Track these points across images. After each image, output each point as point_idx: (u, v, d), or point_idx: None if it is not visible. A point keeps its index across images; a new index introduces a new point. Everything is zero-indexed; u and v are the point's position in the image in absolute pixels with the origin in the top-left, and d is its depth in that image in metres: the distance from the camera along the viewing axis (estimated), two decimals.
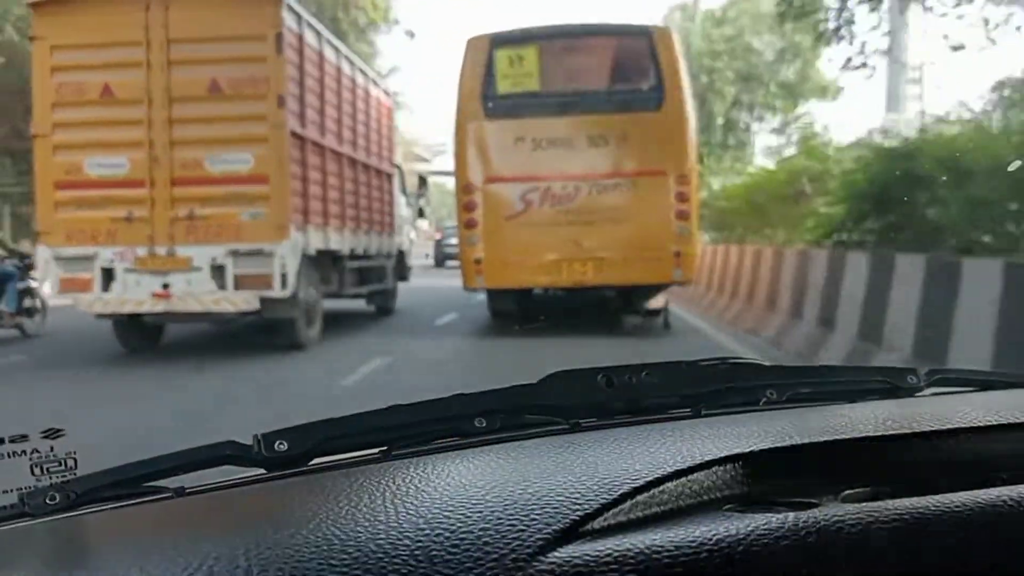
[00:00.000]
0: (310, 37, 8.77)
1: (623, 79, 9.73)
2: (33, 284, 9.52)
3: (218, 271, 7.96)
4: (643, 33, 9.69)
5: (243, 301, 7.98)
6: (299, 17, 8.45)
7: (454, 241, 27.52)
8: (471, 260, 9.46)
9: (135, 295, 8.02)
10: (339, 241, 9.71)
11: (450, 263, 24.90)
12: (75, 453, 0.79)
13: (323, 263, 9.32)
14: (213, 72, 7.91)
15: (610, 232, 9.20)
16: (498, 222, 9.34)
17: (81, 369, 8.01)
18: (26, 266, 9.55)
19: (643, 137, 9.24)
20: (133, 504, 0.77)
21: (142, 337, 8.83)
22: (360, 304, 11.81)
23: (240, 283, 7.95)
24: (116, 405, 6.15)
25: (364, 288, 11.17)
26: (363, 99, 10.93)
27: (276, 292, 7.96)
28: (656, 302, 10.07)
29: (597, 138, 9.31)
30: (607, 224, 9.20)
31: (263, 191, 7.94)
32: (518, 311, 10.13)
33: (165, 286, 8.00)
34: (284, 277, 7.95)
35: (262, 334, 8.84)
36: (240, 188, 7.95)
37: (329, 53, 9.46)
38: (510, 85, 9.45)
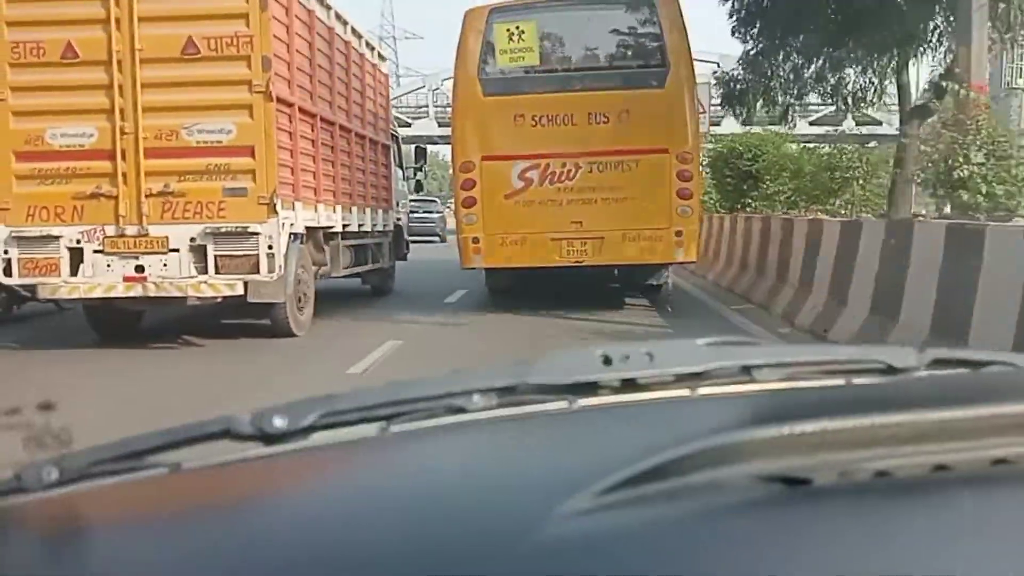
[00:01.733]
0: None
1: (625, 54, 9.50)
2: None
3: (198, 252, 7.16)
4: (646, 4, 9.33)
5: (226, 285, 7.18)
6: None
7: (413, 215, 27.23)
8: (469, 239, 9.24)
9: (106, 279, 7.21)
10: (332, 217, 8.90)
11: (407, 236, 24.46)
12: (70, 427, 0.80)
13: (314, 241, 8.53)
14: (189, 29, 7.04)
15: (610, 211, 9.02)
16: (496, 201, 9.12)
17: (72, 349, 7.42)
18: None
19: (645, 114, 8.99)
20: (129, 480, 0.76)
21: (118, 323, 8.05)
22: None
23: (222, 266, 7.15)
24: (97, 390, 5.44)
25: (359, 268, 10.37)
26: (358, 64, 10.07)
27: (262, 275, 7.16)
28: (657, 277, 9.99)
29: (598, 115, 9.04)
30: (608, 203, 9.03)
31: (247, 163, 7.11)
32: (516, 287, 10.02)
33: (139, 269, 7.20)
34: (271, 258, 7.15)
35: (248, 319, 8.09)
36: (221, 160, 7.10)
37: (321, 12, 8.58)
38: (508, 60, 9.20)
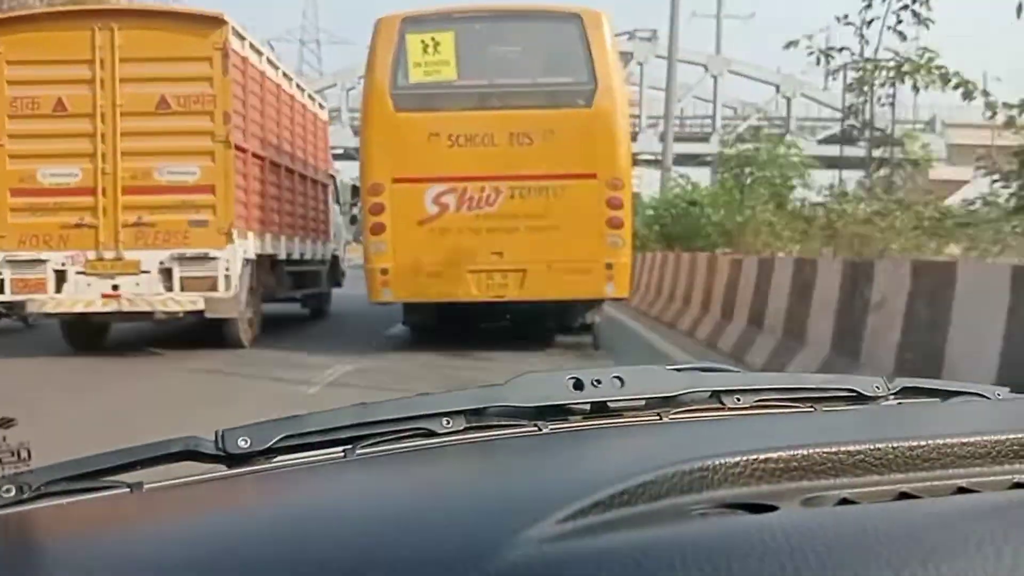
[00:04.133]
0: (253, 58, 9.45)
1: (550, 69, 8.93)
2: None
3: (165, 274, 8.58)
4: (572, 17, 8.64)
5: (189, 302, 8.60)
6: (243, 39, 9.13)
7: None
8: (377, 270, 8.54)
9: (86, 296, 8.57)
10: (277, 246, 10.38)
11: None
12: (28, 444, 0.77)
13: (262, 267, 9.96)
14: (162, 89, 8.52)
15: (534, 241, 8.37)
16: (408, 227, 8.44)
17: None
18: None
19: (572, 135, 8.34)
20: (88, 499, 0.76)
21: (89, 336, 9.35)
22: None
23: (186, 285, 8.57)
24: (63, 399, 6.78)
25: (299, 291, 11.84)
26: (300, 113, 11.64)
27: (220, 293, 8.59)
28: (589, 316, 9.08)
29: (520, 135, 8.38)
30: (531, 232, 8.40)
31: (209, 200, 8.58)
32: (438, 324, 9.31)
33: (115, 287, 8.58)
34: (228, 279, 8.59)
35: (203, 334, 9.47)
36: (187, 197, 8.58)
37: (270, 72, 10.14)
38: (423, 74, 8.49)
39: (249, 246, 9.20)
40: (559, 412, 0.91)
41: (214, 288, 8.58)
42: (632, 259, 9.16)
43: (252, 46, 9.45)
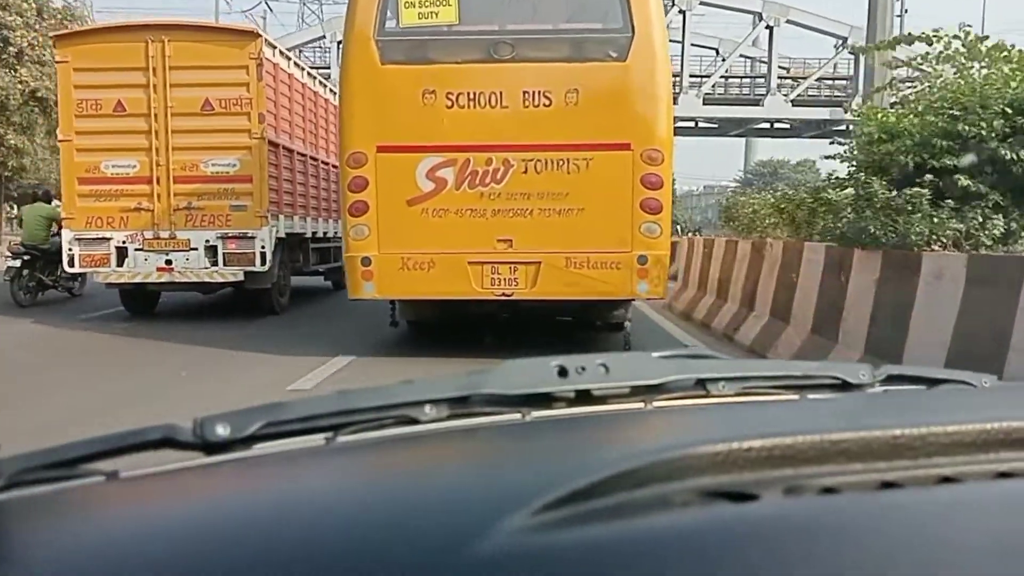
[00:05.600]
0: (283, 63, 10.88)
1: (575, 12, 7.38)
2: None
3: (211, 250, 10.07)
4: None
5: (230, 274, 10.12)
6: (274, 48, 10.55)
7: None
8: (358, 259, 7.05)
9: (143, 269, 10.10)
10: (304, 226, 11.85)
11: None
12: None
13: (291, 244, 11.44)
14: (206, 93, 9.95)
15: (551, 226, 6.91)
16: (396, 208, 6.94)
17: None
18: None
19: (601, 95, 6.86)
20: (62, 488, 0.74)
21: (142, 303, 10.89)
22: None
23: (228, 260, 10.07)
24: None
25: (323, 266, 13.32)
26: (323, 107, 13.06)
27: (257, 267, 10.10)
28: (617, 315, 7.81)
29: (537, 95, 6.86)
30: (547, 215, 6.93)
31: (247, 188, 10.04)
32: (441, 320, 8.05)
33: (168, 262, 10.09)
34: (263, 255, 10.08)
35: (241, 303, 10.99)
36: (228, 185, 10.05)
37: (298, 74, 11.57)
38: (416, 17, 6.95)
39: (281, 226, 10.67)
40: (543, 399, 0.90)
41: (252, 263, 10.07)
42: (671, 250, 7.45)
43: (282, 53, 10.87)
